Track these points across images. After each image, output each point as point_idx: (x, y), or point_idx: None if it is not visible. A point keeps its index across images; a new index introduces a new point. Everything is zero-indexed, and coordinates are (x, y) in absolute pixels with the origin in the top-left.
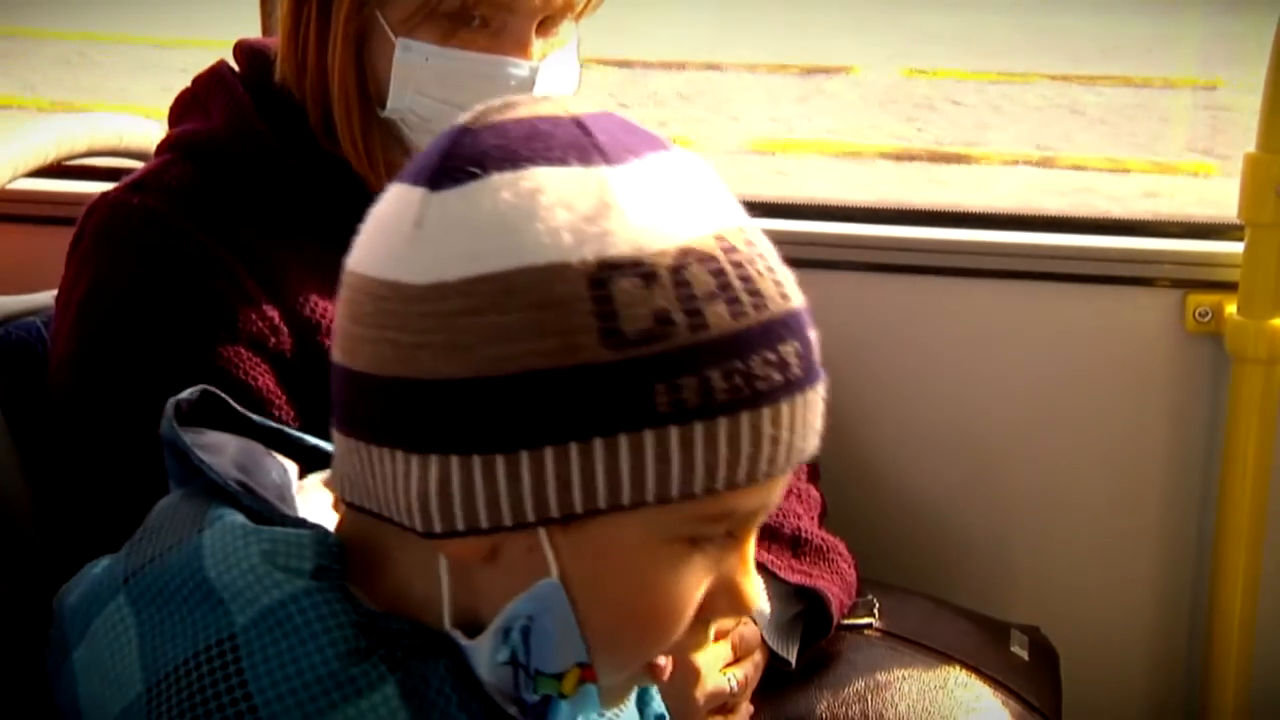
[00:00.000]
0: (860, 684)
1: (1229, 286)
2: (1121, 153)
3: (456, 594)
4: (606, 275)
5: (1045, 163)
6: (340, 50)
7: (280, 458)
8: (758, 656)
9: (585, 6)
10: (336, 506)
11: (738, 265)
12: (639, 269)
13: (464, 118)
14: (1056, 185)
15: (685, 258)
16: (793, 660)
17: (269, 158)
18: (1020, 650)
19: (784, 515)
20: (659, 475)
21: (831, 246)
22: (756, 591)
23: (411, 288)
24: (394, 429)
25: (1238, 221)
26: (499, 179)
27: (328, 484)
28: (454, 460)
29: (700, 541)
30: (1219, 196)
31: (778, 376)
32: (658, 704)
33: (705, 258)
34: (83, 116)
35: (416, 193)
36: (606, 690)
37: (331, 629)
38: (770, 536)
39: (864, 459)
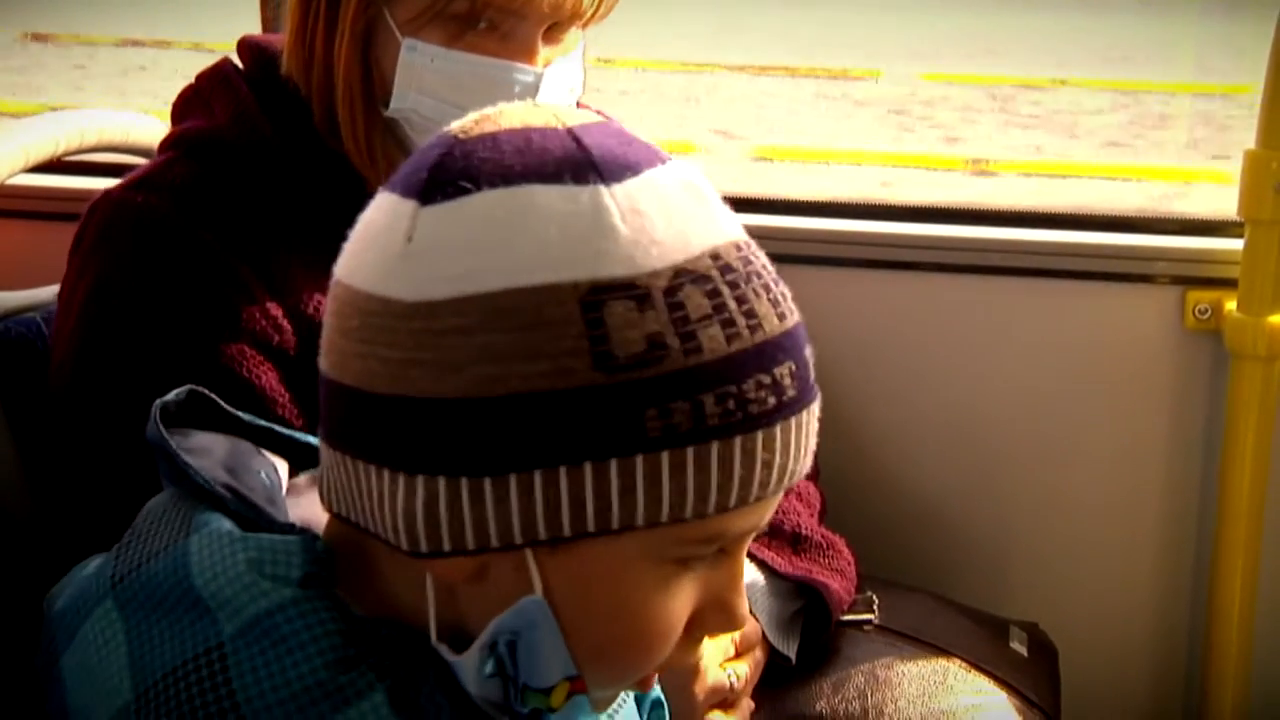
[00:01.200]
0: (860, 680)
1: (1229, 283)
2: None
3: (443, 609)
4: (599, 298)
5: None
6: (346, 46)
7: (270, 456)
8: (758, 653)
9: (593, 14)
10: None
11: (733, 285)
12: (632, 291)
13: (454, 126)
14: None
15: (679, 279)
16: (793, 656)
17: (272, 155)
18: (1020, 646)
19: (784, 513)
20: (649, 499)
21: (830, 243)
22: (745, 608)
23: (401, 304)
24: (381, 447)
25: (1237, 218)
26: (491, 195)
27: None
28: (441, 481)
29: (690, 561)
30: None
31: (771, 399)
32: (656, 691)
33: (700, 278)
34: (89, 112)
35: (407, 205)
36: (595, 700)
37: (319, 638)
38: (770, 533)
39: (863, 456)
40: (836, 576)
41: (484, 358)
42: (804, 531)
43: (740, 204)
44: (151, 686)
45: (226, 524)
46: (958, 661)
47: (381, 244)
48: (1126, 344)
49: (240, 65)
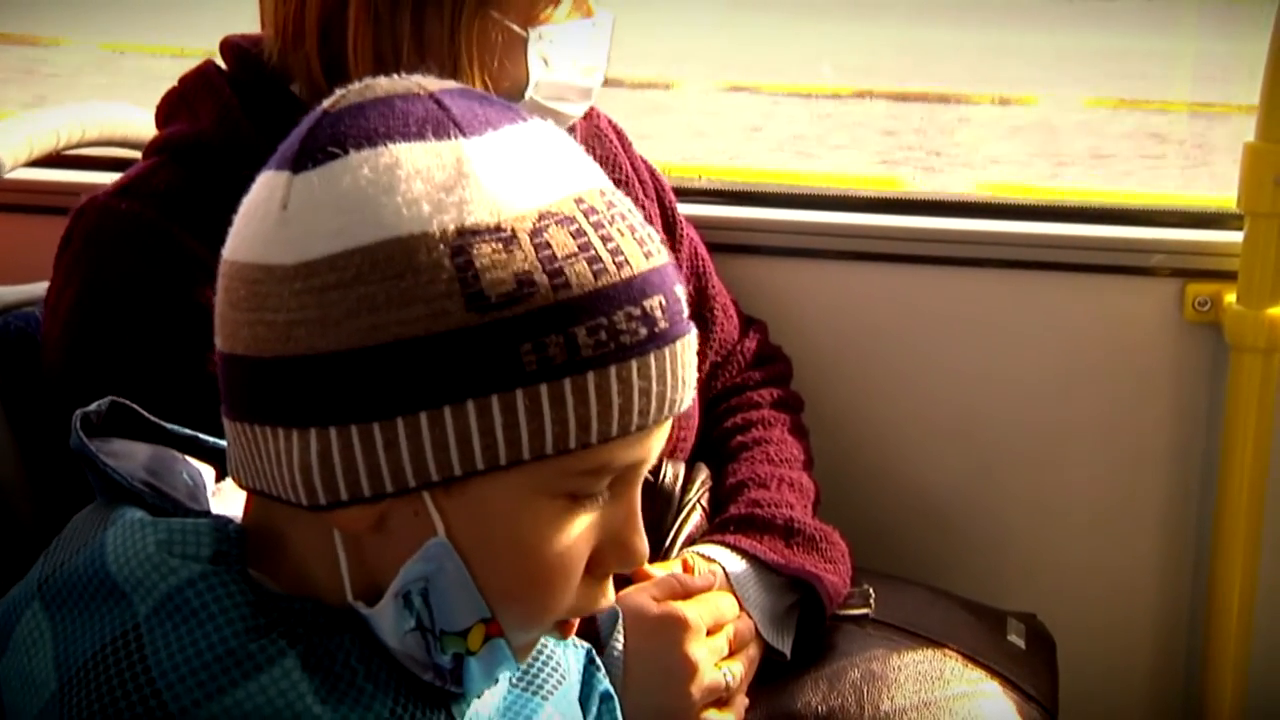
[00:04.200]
0: (856, 674)
1: (1228, 276)
2: None
3: (354, 568)
4: (466, 242)
5: None
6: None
7: (195, 462)
8: (752, 649)
9: None
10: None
11: (598, 226)
12: (498, 234)
13: (325, 102)
14: None
15: (544, 220)
16: (787, 652)
17: (257, 157)
18: (1017, 639)
19: (776, 505)
20: (532, 432)
21: (827, 236)
22: (643, 544)
23: (282, 268)
24: (273, 406)
25: (1237, 211)
26: (357, 156)
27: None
28: (333, 431)
29: (582, 498)
30: None
31: (643, 330)
32: (605, 685)
33: (564, 220)
34: (90, 106)
35: (281, 177)
36: (515, 645)
37: (229, 609)
38: (763, 526)
39: (859, 447)
40: (830, 568)
41: (363, 308)
42: (797, 524)
43: (741, 197)
44: (74, 675)
45: (140, 514)
46: (954, 654)
47: (260, 216)
48: (1126, 336)
49: (223, 66)
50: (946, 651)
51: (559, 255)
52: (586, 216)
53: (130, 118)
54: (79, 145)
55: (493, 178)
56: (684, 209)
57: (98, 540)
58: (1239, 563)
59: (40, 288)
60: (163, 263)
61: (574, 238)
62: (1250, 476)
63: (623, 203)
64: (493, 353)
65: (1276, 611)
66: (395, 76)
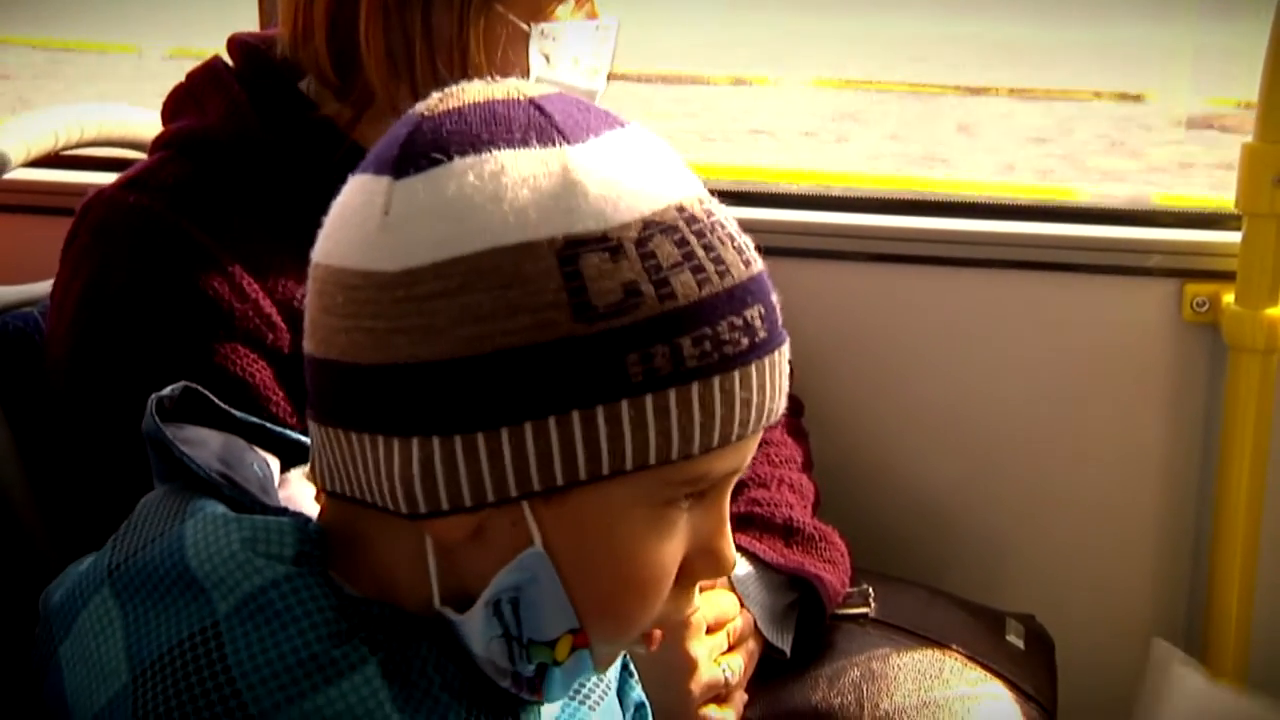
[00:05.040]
0: (856, 673)
1: (1226, 276)
2: None
3: (443, 575)
4: (574, 251)
5: None
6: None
7: (262, 453)
8: (752, 645)
9: None
10: (319, 498)
11: (700, 234)
12: (605, 243)
13: (419, 106)
14: None
15: (649, 229)
16: (787, 650)
17: (265, 153)
18: (1016, 639)
19: (776, 505)
20: (636, 443)
21: (827, 236)
22: (732, 551)
23: (383, 275)
24: (374, 414)
25: (1235, 211)
26: (461, 163)
27: (309, 476)
28: (435, 441)
29: (677, 504)
30: None
31: (744, 340)
32: (638, 693)
33: (668, 228)
34: (90, 106)
35: (381, 182)
36: (599, 656)
37: (312, 612)
38: (762, 526)
39: (860, 449)
40: (829, 568)
41: (467, 318)
42: (796, 523)
43: (738, 197)
44: (149, 668)
45: (221, 508)
46: (954, 654)
47: (358, 221)
48: (1124, 337)
49: (231, 63)
50: (946, 651)
51: (664, 265)
52: (689, 225)
53: (129, 117)
54: (77, 145)
55: (598, 185)
56: None
57: (176, 533)
58: (1237, 563)
59: (39, 288)
60: (171, 255)
61: (678, 247)
62: (1249, 476)
63: (720, 210)
64: (599, 363)
65: (1275, 612)
66: (489, 80)
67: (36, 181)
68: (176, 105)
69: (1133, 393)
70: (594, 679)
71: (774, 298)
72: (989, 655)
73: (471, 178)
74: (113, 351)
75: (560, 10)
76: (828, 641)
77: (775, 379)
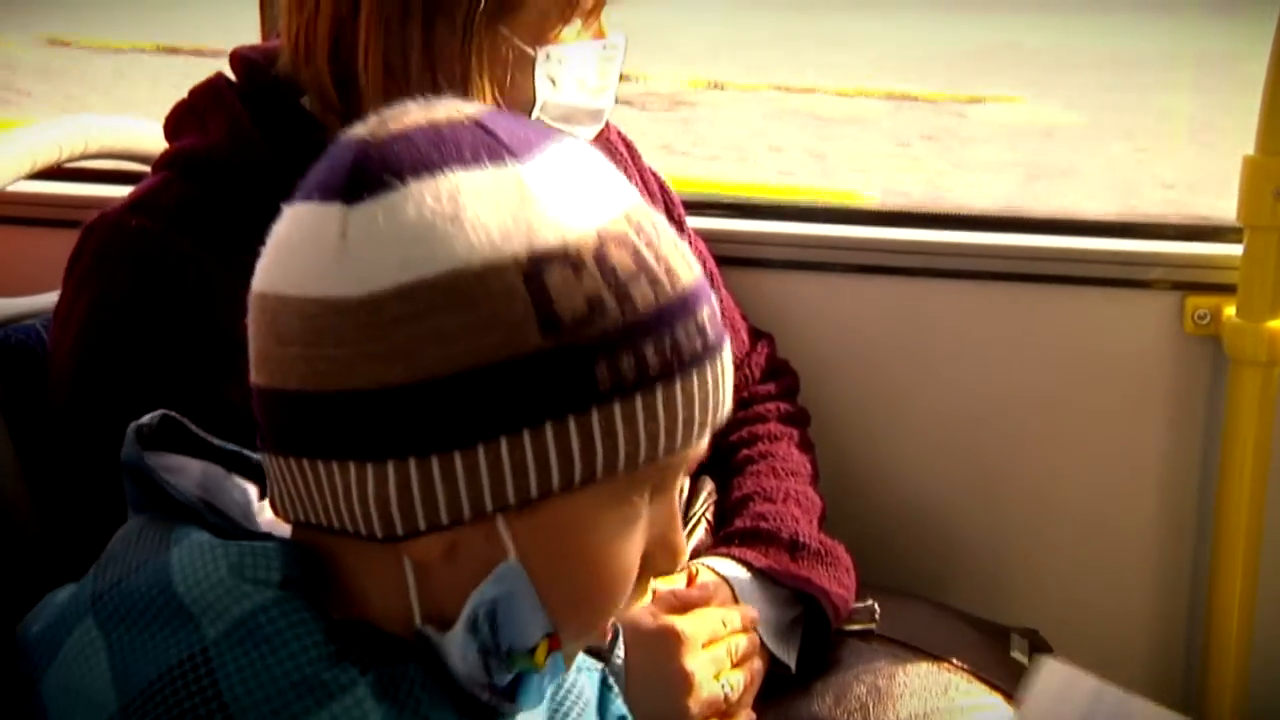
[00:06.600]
0: (861, 690)
1: (1228, 289)
2: None
3: (420, 597)
4: (537, 268)
5: None
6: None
7: (240, 479)
8: (757, 662)
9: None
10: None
11: (648, 243)
12: (566, 258)
13: (359, 130)
14: None
15: (603, 241)
16: (793, 664)
17: (268, 171)
18: (1020, 654)
19: (782, 519)
20: (607, 450)
21: (831, 249)
22: (684, 541)
23: (344, 301)
24: (341, 442)
25: (1236, 224)
26: (417, 186)
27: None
28: (412, 463)
29: (641, 500)
30: None
31: (699, 342)
32: (619, 705)
33: (620, 240)
34: (92, 118)
35: (332, 208)
36: (567, 654)
37: (302, 635)
38: (768, 540)
39: (861, 462)
40: (834, 583)
41: (435, 340)
42: (802, 538)
43: (746, 210)
44: (138, 695)
45: (206, 535)
46: (959, 670)
47: (310, 248)
48: (1126, 349)
49: (233, 79)
50: (951, 667)
51: (622, 275)
52: (637, 234)
53: (132, 130)
54: (81, 158)
55: (553, 200)
56: (690, 222)
57: (162, 560)
58: (1239, 577)
59: (41, 300)
60: (174, 278)
61: (632, 257)
62: (1250, 488)
63: (659, 217)
64: (569, 375)
65: (1275, 627)
66: (422, 101)
67: (40, 194)
68: (178, 122)
69: (1134, 405)
70: (572, 695)
71: (714, 297)
72: (993, 671)
73: (429, 200)
74: (115, 376)
75: (566, 32)
76: (833, 657)
77: (726, 375)
